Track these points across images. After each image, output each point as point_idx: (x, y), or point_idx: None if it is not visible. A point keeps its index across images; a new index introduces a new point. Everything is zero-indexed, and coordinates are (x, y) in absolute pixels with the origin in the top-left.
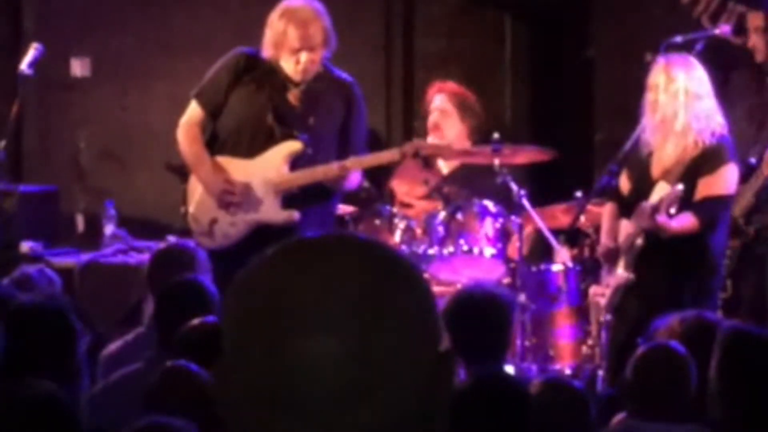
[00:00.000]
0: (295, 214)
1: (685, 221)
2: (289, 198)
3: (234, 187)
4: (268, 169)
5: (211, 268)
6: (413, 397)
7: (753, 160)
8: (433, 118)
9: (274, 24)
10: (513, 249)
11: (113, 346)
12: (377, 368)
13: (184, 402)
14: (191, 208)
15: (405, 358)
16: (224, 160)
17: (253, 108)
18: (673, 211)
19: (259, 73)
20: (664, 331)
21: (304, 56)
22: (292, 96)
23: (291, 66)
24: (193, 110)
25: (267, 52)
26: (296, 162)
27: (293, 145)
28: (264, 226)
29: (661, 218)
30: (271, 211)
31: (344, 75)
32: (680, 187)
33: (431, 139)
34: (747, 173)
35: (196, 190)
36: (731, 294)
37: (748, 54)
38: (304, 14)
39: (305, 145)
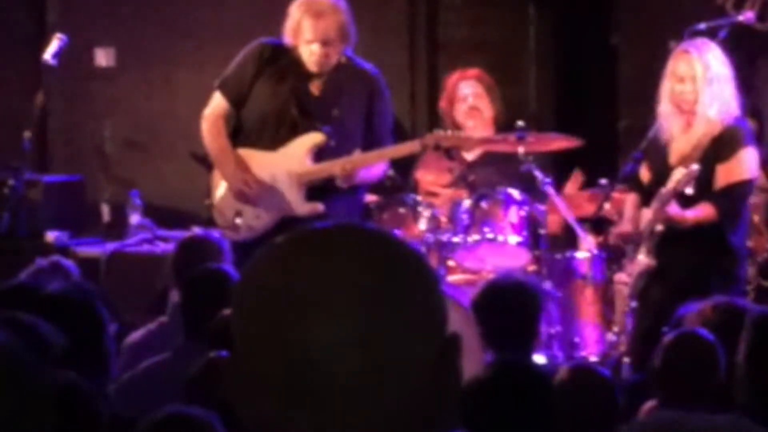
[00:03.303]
0: (319, 206)
1: (702, 212)
2: (316, 189)
3: (252, 183)
4: (291, 161)
5: (236, 260)
6: (420, 383)
7: None
8: (470, 103)
9: (292, 12)
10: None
11: (136, 335)
12: (384, 355)
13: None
14: (216, 201)
15: (411, 345)
16: (247, 153)
17: (277, 99)
18: (689, 191)
19: (282, 63)
20: (696, 317)
21: (316, 48)
22: (315, 87)
23: (306, 56)
24: (217, 101)
25: (287, 39)
26: (320, 154)
27: (316, 137)
28: (288, 218)
29: (672, 209)
30: (295, 203)
31: (368, 66)
32: (695, 166)
33: (470, 125)
34: None
35: (220, 182)
36: None
37: None
38: (320, 6)
39: (328, 136)
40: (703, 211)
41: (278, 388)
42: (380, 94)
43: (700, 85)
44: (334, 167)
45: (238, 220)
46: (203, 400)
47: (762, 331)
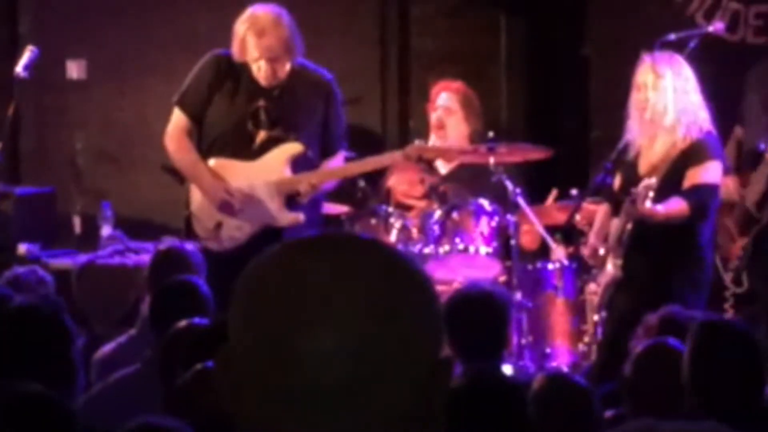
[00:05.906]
0: (301, 216)
1: (674, 205)
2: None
3: (234, 196)
4: (270, 171)
5: (215, 271)
6: (409, 398)
7: (762, 145)
8: (437, 116)
9: (237, 30)
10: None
11: (106, 349)
12: (375, 367)
13: (212, 405)
14: (194, 211)
15: (404, 359)
16: (224, 163)
17: (233, 115)
18: (647, 204)
19: (236, 77)
20: (641, 330)
21: (263, 64)
22: (270, 99)
23: (255, 72)
24: (178, 117)
25: (235, 55)
26: (295, 163)
27: (294, 147)
28: (269, 227)
29: (644, 206)
30: (277, 214)
31: (321, 71)
32: (653, 180)
33: (433, 138)
34: (756, 160)
35: (197, 193)
36: (747, 289)
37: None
38: (263, 22)
39: (306, 146)
40: (676, 205)
41: (269, 390)
42: (334, 99)
43: (650, 92)
44: (316, 176)
45: (219, 231)
46: (189, 414)
47: (703, 337)
